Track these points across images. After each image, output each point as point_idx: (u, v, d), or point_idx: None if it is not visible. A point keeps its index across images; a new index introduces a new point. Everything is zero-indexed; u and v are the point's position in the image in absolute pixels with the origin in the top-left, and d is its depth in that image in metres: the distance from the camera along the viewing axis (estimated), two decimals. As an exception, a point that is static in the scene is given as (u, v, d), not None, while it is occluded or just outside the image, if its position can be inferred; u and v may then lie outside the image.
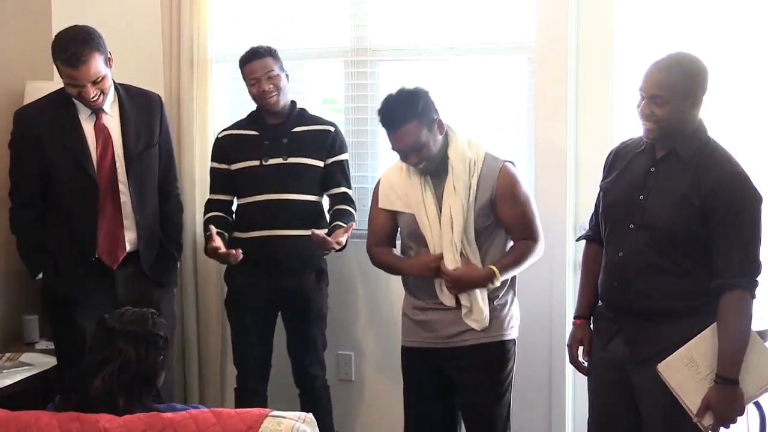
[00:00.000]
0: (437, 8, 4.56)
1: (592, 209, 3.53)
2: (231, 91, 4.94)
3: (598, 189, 3.45)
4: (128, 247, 3.92)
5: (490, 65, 4.59)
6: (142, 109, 3.98)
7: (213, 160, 4.30)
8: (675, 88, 3.10)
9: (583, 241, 3.61)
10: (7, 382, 4.02)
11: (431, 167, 3.56)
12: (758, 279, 3.11)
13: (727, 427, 3.16)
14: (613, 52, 4.16)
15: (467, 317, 3.59)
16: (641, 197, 3.21)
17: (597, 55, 4.17)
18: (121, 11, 4.28)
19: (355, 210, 4.22)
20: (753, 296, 3.10)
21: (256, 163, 4.17)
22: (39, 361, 4.33)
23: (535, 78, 4.31)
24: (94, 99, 3.77)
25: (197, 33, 4.71)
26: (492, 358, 3.65)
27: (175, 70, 4.70)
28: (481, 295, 3.58)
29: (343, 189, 4.22)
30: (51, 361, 4.31)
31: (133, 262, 3.95)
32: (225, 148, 4.25)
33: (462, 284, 3.54)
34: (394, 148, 3.56)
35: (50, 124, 3.84)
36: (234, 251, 3.99)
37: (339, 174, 4.22)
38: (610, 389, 3.37)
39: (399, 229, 3.75)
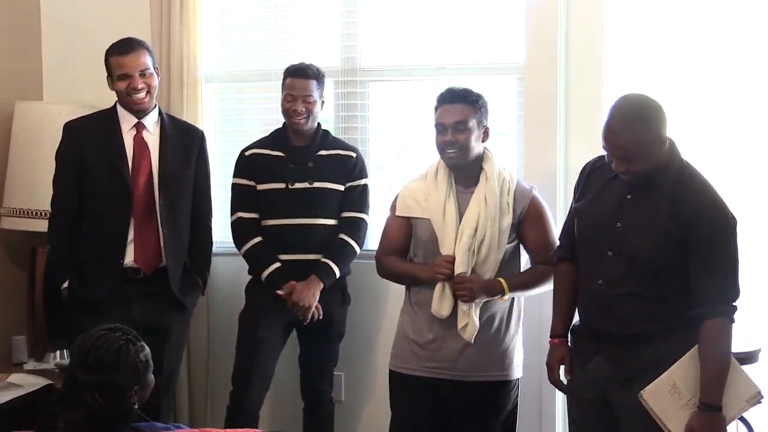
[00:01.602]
0: (427, 28, 4.58)
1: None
2: (221, 111, 4.94)
3: (573, 210, 3.45)
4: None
5: (479, 85, 4.57)
6: (182, 136, 4.16)
7: (238, 176, 4.26)
8: (641, 147, 3.08)
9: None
10: (-4, 402, 4.00)
11: (460, 160, 3.61)
12: (736, 304, 3.11)
13: None
14: (603, 72, 4.16)
15: (462, 331, 3.58)
16: (618, 224, 3.21)
17: (586, 75, 4.18)
18: (111, 31, 4.27)
19: (359, 239, 4.22)
20: (732, 321, 3.11)
21: (282, 186, 4.17)
22: (27, 381, 4.29)
23: (524, 98, 4.33)
24: (142, 92, 3.97)
25: (187, 53, 4.73)
26: (495, 396, 3.68)
27: (165, 90, 4.69)
28: (475, 308, 3.58)
29: (353, 214, 4.22)
30: (40, 382, 4.28)
31: (158, 278, 4.04)
32: (251, 166, 4.24)
33: (476, 288, 3.55)
34: (437, 122, 3.64)
35: (94, 133, 4.06)
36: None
37: (353, 198, 4.23)
38: (589, 408, 3.36)
39: (413, 240, 3.75)
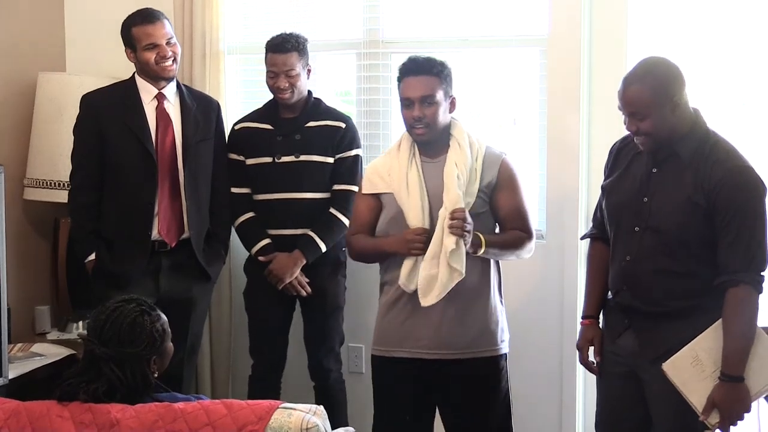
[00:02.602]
0: (450, 0, 4.54)
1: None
2: (244, 83, 4.94)
3: (601, 188, 3.43)
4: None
5: (502, 57, 4.58)
6: (201, 106, 4.16)
7: (230, 150, 4.29)
8: (648, 102, 3.07)
9: (588, 240, 3.58)
10: (19, 372, 4.02)
11: (429, 135, 3.47)
12: (764, 274, 3.08)
13: (734, 424, 3.13)
14: (626, 45, 4.13)
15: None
16: (645, 199, 3.19)
17: (610, 47, 4.15)
18: (133, 3, 4.27)
19: (350, 212, 4.13)
20: (759, 291, 3.07)
21: (269, 160, 4.18)
22: (50, 351, 4.33)
23: (547, 70, 4.30)
24: (169, 60, 3.99)
25: (209, 25, 4.71)
26: (483, 375, 3.53)
27: (187, 62, 4.68)
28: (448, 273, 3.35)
29: (343, 186, 4.20)
30: (62, 352, 4.32)
31: (183, 250, 4.07)
32: (240, 140, 4.26)
33: (470, 224, 3.33)
34: (403, 96, 3.48)
35: (114, 104, 4.04)
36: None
37: (343, 170, 4.21)
38: (618, 383, 3.36)
39: (382, 217, 3.59)
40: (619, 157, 3.36)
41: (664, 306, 3.18)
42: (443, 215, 3.37)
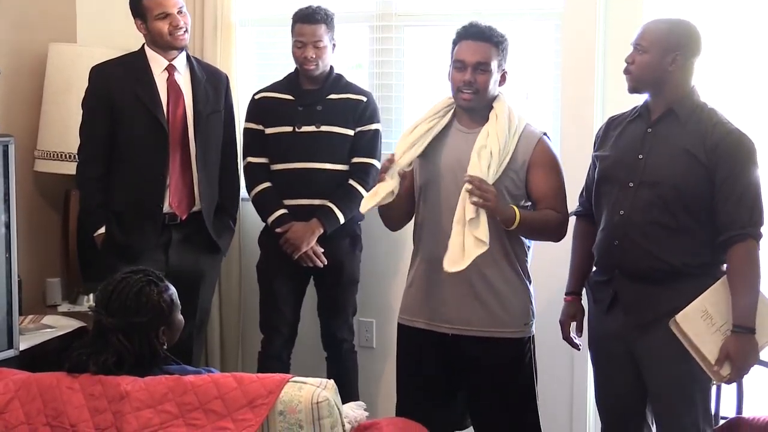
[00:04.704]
0: (465, -28, 4.51)
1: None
2: (256, 56, 4.91)
3: (593, 158, 3.46)
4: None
5: (516, 31, 4.52)
6: (210, 78, 4.16)
7: (249, 120, 4.29)
8: (655, 39, 3.19)
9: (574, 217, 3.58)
10: (30, 343, 4.02)
11: (475, 103, 3.40)
12: (762, 230, 3.15)
13: (742, 377, 3.22)
14: (642, 19, 4.07)
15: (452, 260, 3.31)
16: (640, 156, 3.23)
17: (625, 21, 4.10)
18: (144, -26, 4.26)
19: (368, 185, 4.13)
20: (759, 246, 3.14)
21: (290, 129, 4.16)
22: (61, 323, 4.33)
23: (562, 45, 4.28)
24: (182, 30, 3.97)
25: (221, -4, 4.68)
26: (505, 357, 3.47)
27: (198, 33, 4.65)
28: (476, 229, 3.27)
29: (363, 159, 4.20)
30: (73, 324, 4.32)
31: (192, 223, 4.07)
32: (260, 109, 4.25)
33: (489, 192, 3.24)
34: (457, 58, 3.40)
35: (124, 76, 4.02)
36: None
37: (363, 143, 4.21)
38: (612, 361, 3.38)
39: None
40: (610, 128, 3.43)
41: (653, 262, 3.19)
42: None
